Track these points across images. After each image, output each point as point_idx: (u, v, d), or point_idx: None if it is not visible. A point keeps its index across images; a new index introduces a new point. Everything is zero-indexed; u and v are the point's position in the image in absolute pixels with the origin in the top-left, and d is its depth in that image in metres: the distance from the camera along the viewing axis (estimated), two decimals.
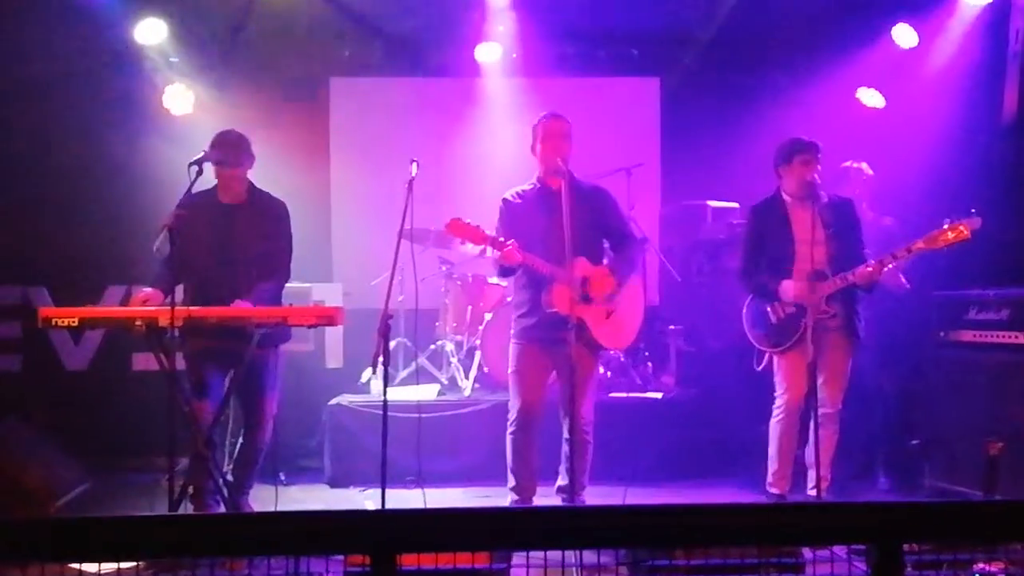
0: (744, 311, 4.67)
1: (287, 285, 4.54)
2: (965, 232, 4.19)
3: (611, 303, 4.36)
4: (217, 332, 4.00)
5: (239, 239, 4.25)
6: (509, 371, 4.42)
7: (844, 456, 4.75)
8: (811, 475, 4.38)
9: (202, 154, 3.99)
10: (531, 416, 4.34)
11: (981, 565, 3.26)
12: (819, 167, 4.44)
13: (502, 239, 4.16)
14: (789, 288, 4.43)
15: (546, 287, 4.22)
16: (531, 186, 4.44)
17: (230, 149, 4.21)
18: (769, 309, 4.49)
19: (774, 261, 4.52)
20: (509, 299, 5.72)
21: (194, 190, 3.98)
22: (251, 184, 4.39)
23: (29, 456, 4.99)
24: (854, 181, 5.33)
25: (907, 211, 5.47)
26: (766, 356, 4.60)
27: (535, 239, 4.23)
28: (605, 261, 4.48)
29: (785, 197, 4.57)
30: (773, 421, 4.54)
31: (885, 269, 4.32)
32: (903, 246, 4.32)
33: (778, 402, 4.53)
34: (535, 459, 4.40)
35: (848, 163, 5.37)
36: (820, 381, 4.36)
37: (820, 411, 4.24)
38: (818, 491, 4.26)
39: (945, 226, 4.21)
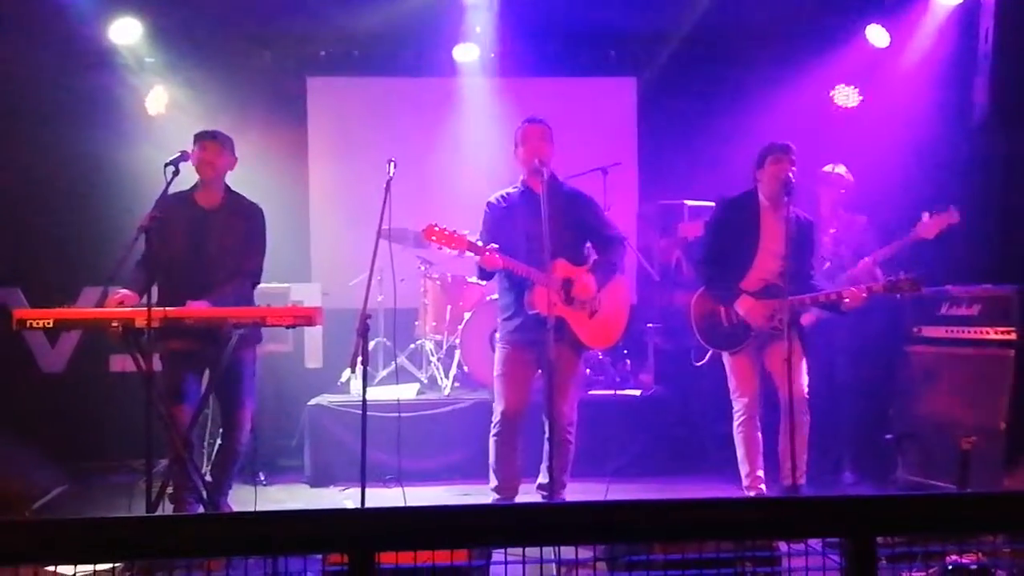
0: (692, 304, 4.65)
1: (265, 285, 4.51)
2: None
3: (594, 303, 4.38)
4: (193, 333, 3.98)
5: (214, 242, 4.23)
6: (495, 374, 4.40)
7: (816, 451, 4.79)
8: (785, 466, 4.40)
9: (179, 154, 3.97)
10: (515, 419, 4.34)
11: (953, 557, 3.31)
12: (793, 167, 4.44)
13: (481, 243, 4.16)
14: (744, 306, 4.45)
15: (528, 288, 4.23)
16: (515, 189, 4.46)
17: (214, 135, 4.24)
18: (723, 312, 4.49)
19: (733, 261, 4.53)
20: (488, 298, 5.76)
21: (171, 191, 3.95)
22: (228, 187, 4.37)
23: (4, 459, 4.95)
24: (834, 185, 5.37)
25: (880, 208, 5.53)
26: (708, 353, 4.66)
27: (518, 241, 4.24)
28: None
29: (762, 200, 4.57)
30: (736, 425, 4.56)
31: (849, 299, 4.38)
32: (864, 283, 4.45)
33: (736, 406, 4.56)
34: (518, 460, 4.40)
35: (829, 167, 5.39)
36: (786, 378, 4.28)
37: (794, 403, 4.27)
38: (793, 480, 4.29)
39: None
